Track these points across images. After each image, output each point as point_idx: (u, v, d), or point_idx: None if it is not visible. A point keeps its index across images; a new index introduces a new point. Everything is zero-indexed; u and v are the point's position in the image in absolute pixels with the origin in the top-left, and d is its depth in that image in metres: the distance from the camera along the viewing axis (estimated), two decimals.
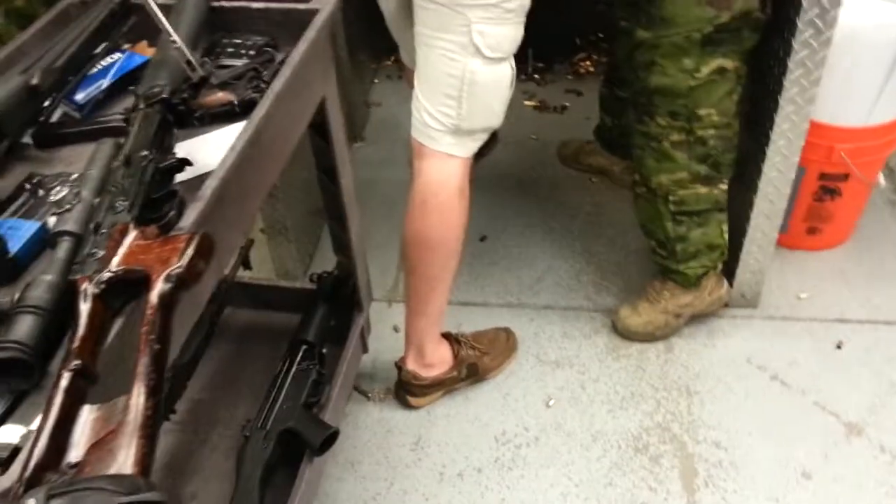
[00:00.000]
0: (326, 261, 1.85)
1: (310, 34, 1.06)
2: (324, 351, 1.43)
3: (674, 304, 1.69)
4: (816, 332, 1.75)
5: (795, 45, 1.41)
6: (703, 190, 1.54)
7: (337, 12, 1.16)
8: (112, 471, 0.49)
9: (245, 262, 1.62)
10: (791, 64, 1.43)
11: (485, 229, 2.00)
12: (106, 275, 0.64)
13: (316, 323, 1.44)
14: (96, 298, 0.63)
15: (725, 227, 1.63)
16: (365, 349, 1.61)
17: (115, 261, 0.65)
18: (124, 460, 0.49)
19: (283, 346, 1.43)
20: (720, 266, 1.69)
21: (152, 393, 0.54)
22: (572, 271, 1.92)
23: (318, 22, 1.09)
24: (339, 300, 1.50)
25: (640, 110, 1.52)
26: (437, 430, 1.59)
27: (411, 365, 1.58)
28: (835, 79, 1.57)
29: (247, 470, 1.27)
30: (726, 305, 1.77)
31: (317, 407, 1.37)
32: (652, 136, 1.51)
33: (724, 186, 1.57)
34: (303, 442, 1.30)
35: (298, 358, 1.39)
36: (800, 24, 1.38)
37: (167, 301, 0.60)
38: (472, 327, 1.71)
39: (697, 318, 1.75)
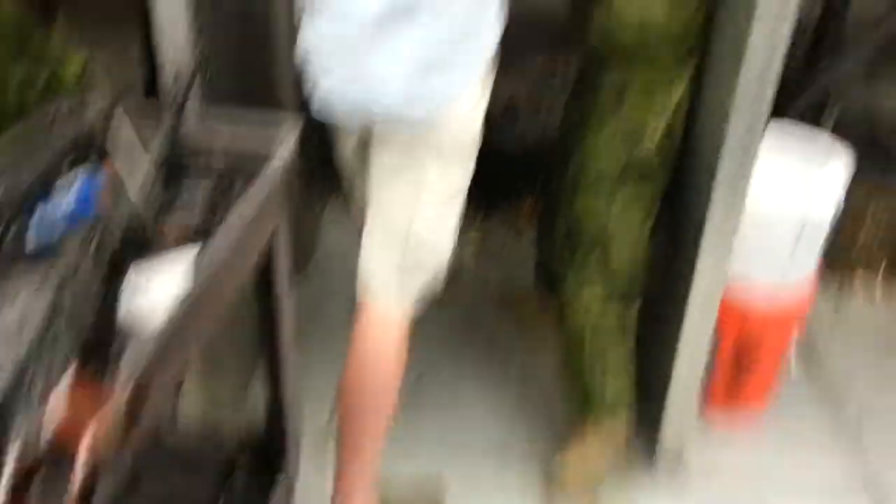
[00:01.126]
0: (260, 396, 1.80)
1: (268, 172, 1.08)
2: None
3: (599, 438, 1.72)
4: (738, 496, 1.78)
5: (709, 212, 1.52)
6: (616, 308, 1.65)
7: (293, 158, 1.20)
8: None
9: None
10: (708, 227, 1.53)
11: (421, 368, 1.99)
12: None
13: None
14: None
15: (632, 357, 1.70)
16: None
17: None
18: None
19: None
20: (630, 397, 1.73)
21: None
22: (506, 423, 1.92)
23: (276, 163, 1.11)
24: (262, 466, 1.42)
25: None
26: None
27: None
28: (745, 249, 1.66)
29: None
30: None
31: None
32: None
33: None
34: None
35: None
36: (714, 196, 1.50)
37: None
38: (402, 473, 1.68)
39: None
